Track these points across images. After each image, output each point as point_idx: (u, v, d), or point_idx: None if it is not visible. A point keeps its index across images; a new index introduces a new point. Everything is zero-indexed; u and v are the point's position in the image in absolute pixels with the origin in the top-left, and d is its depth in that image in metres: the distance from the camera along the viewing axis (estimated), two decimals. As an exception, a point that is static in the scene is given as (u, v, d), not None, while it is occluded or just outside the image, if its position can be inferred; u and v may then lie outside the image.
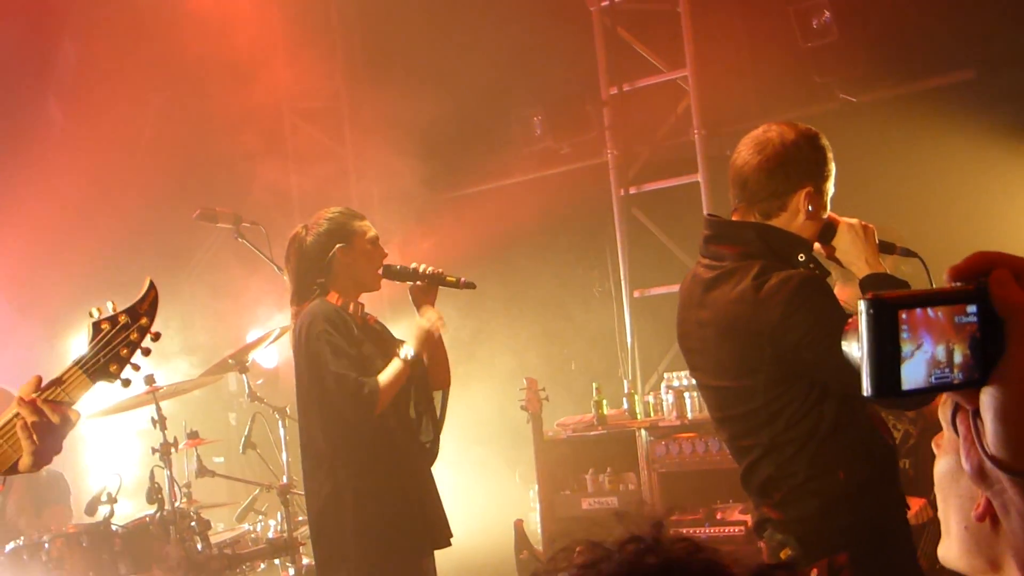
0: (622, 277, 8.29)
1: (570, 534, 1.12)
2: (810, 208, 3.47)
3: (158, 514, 5.89)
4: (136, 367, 2.98)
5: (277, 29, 9.43)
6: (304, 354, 4.82)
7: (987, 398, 1.07)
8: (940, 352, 1.06)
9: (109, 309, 2.94)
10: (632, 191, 8.34)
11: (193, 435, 6.54)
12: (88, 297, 8.52)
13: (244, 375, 6.28)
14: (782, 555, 3.47)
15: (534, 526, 7.39)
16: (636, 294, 8.24)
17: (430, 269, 4.95)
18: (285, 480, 6.22)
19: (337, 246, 4.86)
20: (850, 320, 1.14)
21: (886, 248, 3.56)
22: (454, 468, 7.23)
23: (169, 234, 8.56)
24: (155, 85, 8.88)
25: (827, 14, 7.22)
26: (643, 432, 7.31)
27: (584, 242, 8.70)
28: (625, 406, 7.65)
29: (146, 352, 2.99)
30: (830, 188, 3.52)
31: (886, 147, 7.17)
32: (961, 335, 1.07)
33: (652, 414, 7.50)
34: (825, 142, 3.53)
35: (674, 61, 8.14)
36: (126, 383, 2.97)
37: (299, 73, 9.17)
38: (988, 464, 1.08)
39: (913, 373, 1.06)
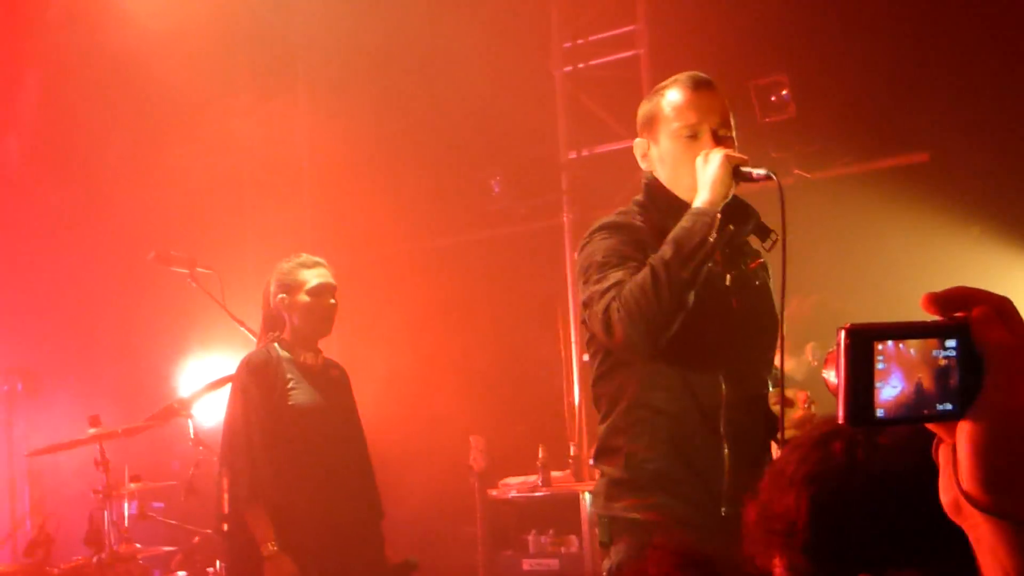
0: (572, 340, 8.31)
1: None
2: (641, 156, 3.76)
3: (96, 558, 5.81)
4: None
5: (241, 72, 9.43)
6: (228, 398, 5.06)
7: (962, 433, 1.07)
8: (912, 385, 1.08)
9: None
10: (586, 255, 8.35)
11: (135, 478, 6.47)
12: (41, 346, 8.45)
13: (190, 420, 6.24)
14: None
15: (475, 585, 7.35)
16: (585, 358, 8.24)
17: None
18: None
19: (279, 296, 5.01)
20: (831, 351, 1.16)
21: (741, 176, 3.52)
22: (401, 524, 7.18)
23: (125, 275, 8.47)
24: (117, 124, 8.81)
25: (786, 91, 7.35)
26: (587, 495, 7.30)
27: (537, 303, 8.73)
28: (570, 468, 7.66)
29: None
30: (664, 134, 3.72)
31: (839, 224, 7.27)
32: (937, 368, 1.08)
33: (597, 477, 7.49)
34: (656, 94, 3.72)
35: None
36: None
37: (262, 118, 9.17)
38: (962, 499, 1.07)
39: (887, 403, 1.08)
